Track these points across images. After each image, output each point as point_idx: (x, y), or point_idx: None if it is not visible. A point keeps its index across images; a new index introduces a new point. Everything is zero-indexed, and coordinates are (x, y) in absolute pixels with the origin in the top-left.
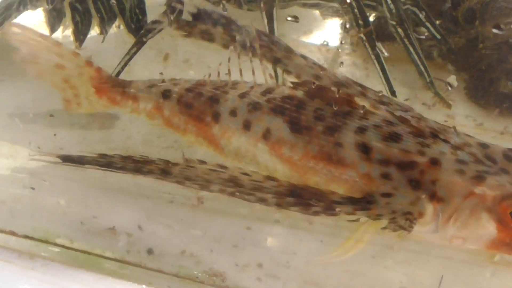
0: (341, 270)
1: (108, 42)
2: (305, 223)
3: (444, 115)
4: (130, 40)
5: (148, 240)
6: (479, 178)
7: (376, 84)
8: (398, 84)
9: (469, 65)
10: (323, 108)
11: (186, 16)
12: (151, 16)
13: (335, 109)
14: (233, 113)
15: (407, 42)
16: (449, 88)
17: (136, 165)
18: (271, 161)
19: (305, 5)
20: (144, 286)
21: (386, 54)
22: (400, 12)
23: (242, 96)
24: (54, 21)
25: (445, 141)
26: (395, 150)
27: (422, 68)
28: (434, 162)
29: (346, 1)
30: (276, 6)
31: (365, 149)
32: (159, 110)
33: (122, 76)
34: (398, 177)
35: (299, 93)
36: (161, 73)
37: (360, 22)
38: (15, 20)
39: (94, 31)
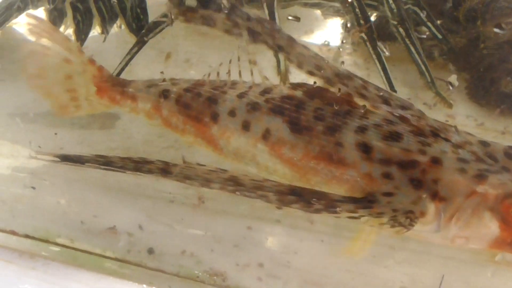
0: (341, 270)
1: (109, 41)
2: (306, 222)
3: (445, 115)
4: (131, 39)
5: (148, 239)
6: (481, 177)
7: (377, 83)
8: (399, 84)
9: (470, 65)
10: (323, 108)
11: (190, 3)
12: (152, 16)
13: (336, 108)
14: (232, 113)
15: (408, 42)
16: (450, 88)
17: (136, 165)
18: (271, 161)
19: (306, 4)
20: (144, 285)
21: (387, 53)
22: (401, 11)
23: (241, 96)
24: (55, 20)
25: (446, 139)
26: (396, 149)
27: (423, 68)
28: (436, 161)
29: (347, 1)
30: (277, 2)
31: (365, 149)
32: (157, 110)
33: (123, 76)
34: (399, 177)
35: (298, 93)
36: (161, 72)
37: (361, 21)
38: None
39: (96, 31)
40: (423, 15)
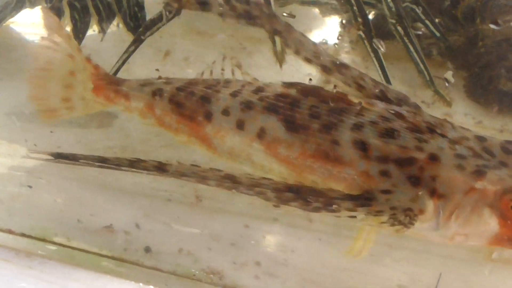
0: (339, 269)
1: (107, 40)
2: (305, 221)
3: (443, 113)
4: (129, 38)
5: (145, 238)
6: (479, 173)
7: None
8: (397, 82)
9: (468, 63)
10: (318, 105)
11: None
12: (150, 14)
13: (332, 105)
14: (225, 112)
15: (406, 40)
16: (446, 84)
17: (131, 162)
18: (266, 160)
19: (303, 3)
20: (141, 284)
21: (382, 49)
22: (399, 10)
23: (234, 94)
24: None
25: (443, 135)
26: (393, 146)
27: (422, 66)
28: (433, 158)
29: None
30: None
31: (362, 147)
32: (150, 109)
33: (120, 75)
34: (397, 174)
35: (292, 92)
36: (157, 70)
37: (359, 19)
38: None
39: (93, 30)
40: (419, 11)
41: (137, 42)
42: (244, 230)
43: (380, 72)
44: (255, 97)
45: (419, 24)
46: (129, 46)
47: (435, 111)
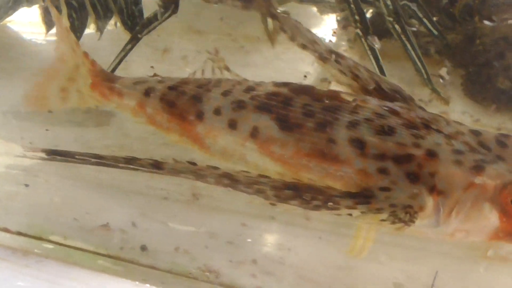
0: (335, 266)
1: (104, 39)
2: (302, 219)
3: (441, 111)
4: (127, 37)
5: (142, 236)
6: (478, 168)
7: None
8: (395, 81)
9: (466, 61)
10: (311, 104)
11: None
12: (147, 13)
13: (325, 103)
14: (217, 111)
15: (404, 39)
16: (441, 81)
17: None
18: (261, 160)
19: (302, 1)
20: (137, 282)
21: (377, 46)
22: (397, 8)
23: (226, 94)
24: (50, 18)
25: (438, 131)
26: (390, 143)
27: (419, 65)
28: (431, 154)
29: None
30: None
31: (359, 144)
32: (142, 108)
33: (117, 74)
34: (395, 171)
35: (284, 90)
36: (152, 67)
37: (357, 17)
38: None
39: (91, 28)
40: (418, 10)
41: (134, 40)
42: (241, 228)
43: (377, 71)
44: (247, 96)
45: (414, 21)
46: (126, 45)
47: (432, 109)
